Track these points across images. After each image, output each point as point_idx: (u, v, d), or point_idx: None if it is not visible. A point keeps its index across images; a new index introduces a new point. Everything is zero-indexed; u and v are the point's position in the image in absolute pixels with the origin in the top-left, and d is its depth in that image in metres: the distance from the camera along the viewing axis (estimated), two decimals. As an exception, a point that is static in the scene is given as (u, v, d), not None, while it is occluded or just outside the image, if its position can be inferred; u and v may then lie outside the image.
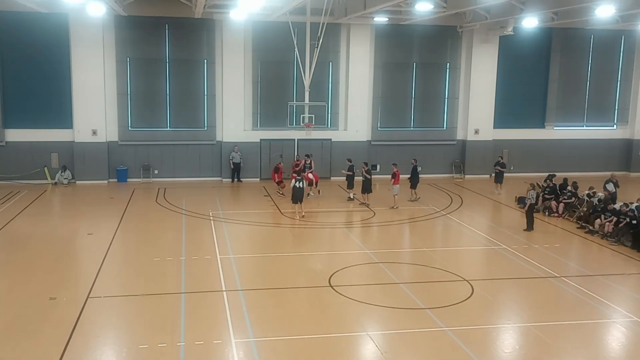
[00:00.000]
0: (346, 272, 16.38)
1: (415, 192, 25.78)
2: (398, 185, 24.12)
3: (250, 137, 30.09)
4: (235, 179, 29.77)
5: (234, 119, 29.79)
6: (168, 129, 29.87)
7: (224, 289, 14.92)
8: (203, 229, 20.63)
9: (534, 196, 21.77)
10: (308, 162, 26.67)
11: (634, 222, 19.24)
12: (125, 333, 12.43)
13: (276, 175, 26.58)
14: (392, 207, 23.94)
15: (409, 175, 26.06)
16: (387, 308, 13.80)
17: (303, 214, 22.02)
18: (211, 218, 22.12)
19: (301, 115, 27.91)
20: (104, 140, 28.83)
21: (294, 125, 27.79)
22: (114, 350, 11.64)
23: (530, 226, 20.88)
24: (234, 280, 15.55)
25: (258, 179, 30.17)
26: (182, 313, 13.33)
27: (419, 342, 12.20)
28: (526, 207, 21.35)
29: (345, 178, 26.12)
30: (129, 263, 17.19)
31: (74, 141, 28.58)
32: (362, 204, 24.68)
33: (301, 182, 22.00)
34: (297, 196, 21.89)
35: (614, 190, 23.87)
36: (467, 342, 12.04)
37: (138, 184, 28.93)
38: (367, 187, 24.65)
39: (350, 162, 25.91)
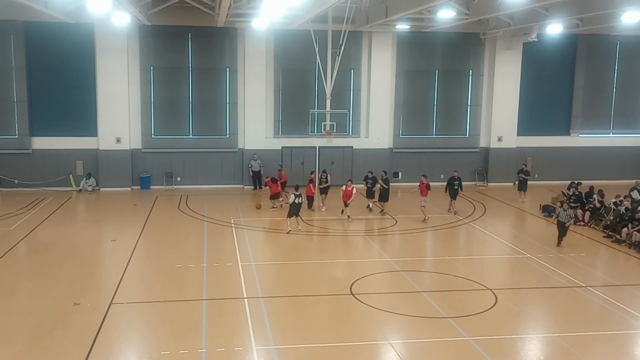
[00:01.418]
0: (367, 280, 16.27)
1: (453, 204, 24.77)
2: (426, 197, 23.22)
3: (272, 144, 30.17)
4: (258, 187, 29.52)
5: (256, 126, 29.91)
6: (190, 136, 30.11)
7: (245, 296, 14.91)
8: (225, 236, 20.70)
9: (570, 215, 20.06)
10: (324, 176, 25.53)
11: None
12: (147, 339, 12.49)
13: (273, 185, 25.13)
14: (423, 220, 23.12)
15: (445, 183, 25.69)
16: (409, 317, 13.66)
17: (299, 227, 21.34)
18: (233, 225, 22.18)
19: (322, 123, 27.84)
20: (128, 148, 29.15)
21: (315, 133, 27.77)
22: (136, 356, 11.71)
23: (559, 240, 19.97)
24: (255, 288, 15.54)
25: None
26: (204, 320, 13.35)
27: (441, 352, 12.04)
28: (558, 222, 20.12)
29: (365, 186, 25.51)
30: (151, 269, 17.30)
31: (98, 149, 28.95)
32: (382, 212, 24.48)
33: (300, 198, 21.18)
34: (294, 212, 21.12)
35: (639, 197, 23.46)
36: (490, 352, 11.85)
37: (161, 191, 29.17)
38: (384, 196, 24.49)
39: (372, 174, 25.29)
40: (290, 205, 21.06)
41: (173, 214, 24.43)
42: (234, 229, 21.64)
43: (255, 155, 29.28)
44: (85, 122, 28.93)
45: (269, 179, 25.40)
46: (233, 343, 12.12)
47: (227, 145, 30.23)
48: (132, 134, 29.22)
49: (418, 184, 24.10)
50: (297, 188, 21.53)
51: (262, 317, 13.53)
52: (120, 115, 28.80)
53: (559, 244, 19.77)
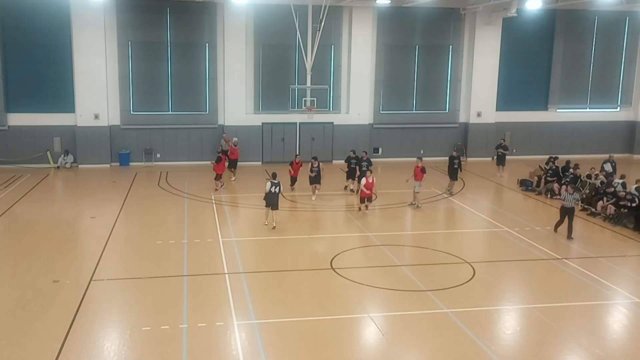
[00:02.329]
0: (348, 254, 16.43)
1: (452, 184, 23.98)
2: (420, 182, 21.48)
3: (252, 120, 30.02)
4: (231, 168, 26.62)
5: (236, 102, 29.71)
6: (170, 112, 29.82)
7: (226, 271, 14.99)
8: (205, 212, 20.68)
9: (576, 198, 18.56)
10: (315, 165, 22.64)
11: (634, 205, 19.26)
12: (128, 315, 12.51)
13: (218, 165, 23.59)
14: (415, 206, 21.65)
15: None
16: (388, 290, 13.85)
17: (274, 224, 18.54)
18: (213, 201, 22.16)
19: (303, 99, 27.77)
20: (106, 124, 28.81)
21: (296, 109, 27.70)
22: (117, 332, 11.73)
23: (558, 226, 18.50)
24: (236, 263, 15.61)
25: (260, 162, 30.15)
26: (185, 296, 13.41)
27: (420, 324, 12.26)
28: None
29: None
30: (131, 246, 17.26)
31: (76, 125, 28.57)
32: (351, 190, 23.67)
33: (277, 187, 18.43)
34: (270, 202, 18.44)
35: (612, 170, 24.03)
36: (468, 324, 12.09)
37: (140, 167, 28.96)
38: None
39: (354, 153, 24.13)
40: (265, 194, 18.51)
41: (153, 190, 24.31)
42: (214, 205, 21.62)
43: (225, 135, 28.46)
44: (62, 98, 28.49)
45: (220, 153, 24.31)
46: (214, 318, 12.21)
47: (207, 121, 30.02)
48: (110, 110, 28.85)
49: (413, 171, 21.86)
50: (274, 176, 18.94)
51: (243, 293, 13.62)
52: (98, 91, 28.37)
53: (556, 229, 18.47)
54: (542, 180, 24.36)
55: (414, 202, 21.83)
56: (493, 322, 12.52)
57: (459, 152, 24.14)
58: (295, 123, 30.20)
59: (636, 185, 20.61)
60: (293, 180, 23.99)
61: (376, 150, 31.43)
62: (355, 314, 12.62)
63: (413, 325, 12.22)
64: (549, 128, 32.75)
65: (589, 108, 33.64)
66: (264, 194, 18.66)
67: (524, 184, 25.06)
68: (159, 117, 29.63)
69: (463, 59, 31.66)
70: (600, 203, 20.52)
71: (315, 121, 29.54)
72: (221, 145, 28.14)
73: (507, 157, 28.21)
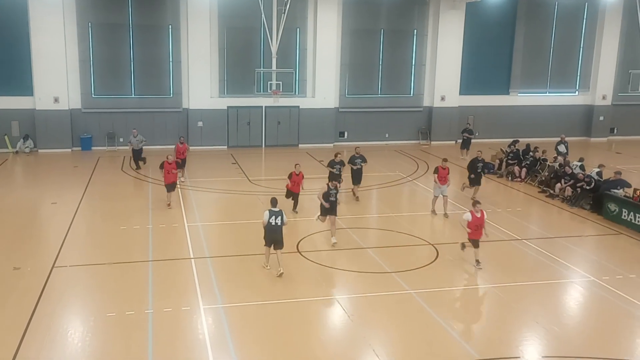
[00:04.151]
0: (313, 237, 16.55)
1: (476, 190, 20.62)
2: (446, 186, 18.83)
3: (217, 104, 29.76)
4: (137, 167, 24.61)
5: (200, 86, 29.38)
6: (133, 96, 29.34)
7: (192, 256, 14.95)
8: (170, 197, 20.47)
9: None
10: (333, 187, 16.16)
11: (590, 186, 19.86)
12: (92, 302, 12.40)
13: (168, 175, 19.21)
14: (434, 212, 19.15)
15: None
16: (354, 272, 14.04)
17: (281, 270, 13.62)
18: (178, 186, 21.92)
19: (269, 82, 27.67)
20: (67, 108, 28.18)
21: (262, 92, 27.60)
22: (81, 319, 11.62)
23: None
24: (202, 248, 15.58)
25: (225, 147, 29.96)
26: (150, 281, 13.35)
27: (385, 305, 12.48)
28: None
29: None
30: (95, 232, 17.04)
31: (35, 109, 27.87)
32: (356, 197, 20.74)
33: (279, 219, 13.63)
34: (271, 237, 13.81)
35: (565, 151, 24.77)
36: (432, 304, 12.37)
37: (103, 152, 28.47)
38: (357, 178, 20.68)
39: (339, 156, 20.14)
40: (264, 227, 13.80)
41: (116, 175, 23.97)
42: (179, 189, 21.44)
43: (135, 131, 24.84)
44: (20, 81, 27.72)
45: (167, 160, 19.46)
46: (180, 303, 12.20)
47: (171, 105, 29.64)
48: (70, 93, 28.22)
49: (434, 174, 19.12)
50: (273, 203, 13.75)
51: (209, 277, 13.63)
52: (57, 74, 27.68)
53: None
54: (504, 164, 24.88)
55: (434, 210, 19.13)
56: (455, 302, 12.85)
57: (481, 153, 21.00)
58: (261, 107, 30.07)
59: (597, 170, 21.20)
60: (291, 195, 18.86)
61: (342, 134, 31.59)
62: (322, 296, 12.77)
63: (378, 306, 12.43)
64: (510, 112, 33.38)
65: (549, 92, 34.40)
66: (262, 224, 13.90)
67: (486, 167, 25.46)
68: (122, 101, 29.11)
69: (427, 43, 31.93)
70: (558, 185, 21.08)
71: (281, 105, 29.47)
72: (130, 143, 24.93)
73: (472, 140, 28.65)
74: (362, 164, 20.42)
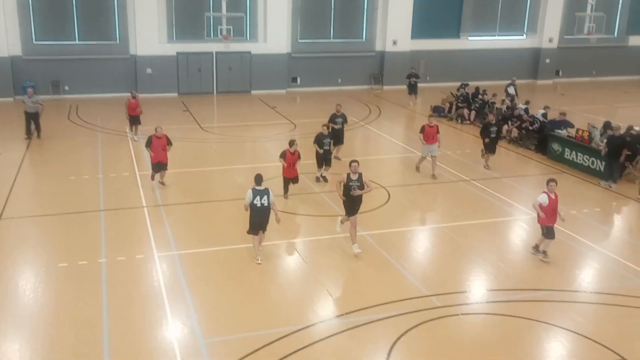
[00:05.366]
0: (268, 183, 16.42)
1: (488, 158, 18.57)
2: (435, 145, 17.33)
3: (166, 50, 28.90)
4: (29, 134, 20.90)
5: (148, 31, 28.38)
6: (77, 42, 28.20)
7: (144, 204, 14.85)
8: (120, 146, 20.14)
9: None
10: (355, 173, 12.30)
11: (531, 128, 20.47)
12: (42, 253, 12.26)
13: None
14: (432, 176, 17.43)
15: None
16: (308, 216, 14.26)
17: (259, 258, 11.88)
18: (128, 135, 21.54)
19: (219, 27, 27.04)
20: (6, 55, 26.90)
21: (212, 38, 26.97)
22: (31, 271, 11.49)
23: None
24: (154, 196, 15.48)
25: (176, 94, 29.33)
26: (102, 230, 13.26)
27: (339, 248, 12.76)
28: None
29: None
30: (42, 183, 16.67)
31: (-29, 56, 26.55)
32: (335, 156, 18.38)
33: (265, 198, 11.69)
34: (257, 221, 11.85)
35: (514, 93, 25.38)
36: (384, 245, 12.74)
37: (48, 101, 27.29)
38: (339, 138, 18.38)
39: (328, 129, 17.02)
40: (249, 209, 11.76)
41: (63, 124, 23.29)
42: (129, 138, 21.04)
43: (30, 90, 21.64)
44: (-47, 27, 26.25)
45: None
46: (134, 251, 12.20)
47: (118, 51, 28.64)
48: (9, 39, 26.89)
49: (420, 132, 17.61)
50: (258, 180, 11.82)
51: (163, 225, 13.62)
52: (-7, 19, 26.29)
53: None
54: (454, 107, 25.26)
55: (418, 169, 17.90)
56: (406, 242, 13.25)
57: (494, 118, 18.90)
58: (212, 53, 29.40)
59: (542, 111, 21.76)
60: (288, 183, 15.46)
61: (294, 80, 31.31)
62: (277, 240, 12.91)
63: (332, 249, 12.71)
64: (461, 56, 33.59)
65: (498, 36, 34.69)
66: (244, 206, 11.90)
67: (437, 111, 25.88)
68: (66, 47, 27.94)
69: (379, -15, 31.55)
70: (505, 127, 21.60)
71: (232, 50, 28.91)
72: (24, 102, 21.07)
73: (420, 84, 28.75)
74: (344, 124, 18.69)
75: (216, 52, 29.34)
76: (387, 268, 11.79)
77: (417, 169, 17.97)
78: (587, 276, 11.78)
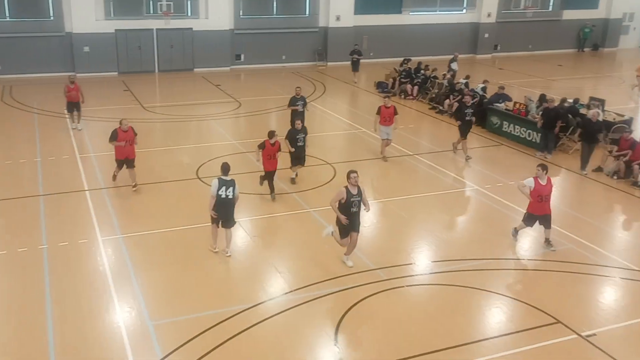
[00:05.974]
0: (213, 163, 16.47)
1: (464, 144, 17.25)
2: (390, 127, 16.73)
3: (104, 27, 27.96)
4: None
5: (84, 6, 27.33)
6: (8, 19, 26.94)
7: (86, 188, 14.52)
8: (59, 128, 19.52)
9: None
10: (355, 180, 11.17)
11: (475, 100, 20.96)
12: (-20, 240, 11.87)
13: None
14: (383, 157, 17.06)
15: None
16: (254, 195, 14.26)
17: (228, 251, 11.51)
18: (67, 116, 20.85)
19: (158, 3, 26.32)
20: None
21: (152, 14, 26.25)
22: (-30, 259, 11.14)
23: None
24: (96, 179, 15.14)
25: (116, 73, 28.51)
26: (42, 215, 12.92)
27: (285, 224, 12.90)
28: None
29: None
30: (-23, 168, 16.03)
31: None
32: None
33: (231, 190, 11.20)
34: (221, 213, 11.33)
35: (457, 69, 25.97)
36: (330, 221, 12.76)
37: (-22, 82, 26.26)
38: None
39: (301, 124, 15.30)
40: (214, 201, 11.19)
41: (-4, 107, 22.36)
42: (68, 120, 20.36)
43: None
44: None
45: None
46: (76, 236, 11.95)
47: (52, 28, 27.54)
48: None
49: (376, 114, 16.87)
50: (224, 169, 11.33)
51: (106, 208, 13.37)
52: None
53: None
54: (397, 82, 25.57)
55: (385, 157, 17.07)
56: (352, 217, 13.43)
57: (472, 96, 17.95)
58: (152, 29, 28.63)
59: (482, 85, 22.29)
60: (266, 178, 14.19)
61: (238, 57, 30.92)
62: (223, 220, 12.91)
63: (278, 225, 12.83)
64: (403, 31, 33.83)
65: (439, 11, 35.11)
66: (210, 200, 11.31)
67: (380, 86, 26.16)
68: (-6, 25, 26.72)
69: (321, -40, 31.34)
70: (447, 101, 22.07)
71: (173, 27, 28.27)
72: None
73: (363, 61, 28.82)
74: (305, 107, 17.96)
75: (157, 29, 28.60)
76: (334, 243, 11.96)
77: (384, 157, 16.91)
78: (524, 244, 12.29)
